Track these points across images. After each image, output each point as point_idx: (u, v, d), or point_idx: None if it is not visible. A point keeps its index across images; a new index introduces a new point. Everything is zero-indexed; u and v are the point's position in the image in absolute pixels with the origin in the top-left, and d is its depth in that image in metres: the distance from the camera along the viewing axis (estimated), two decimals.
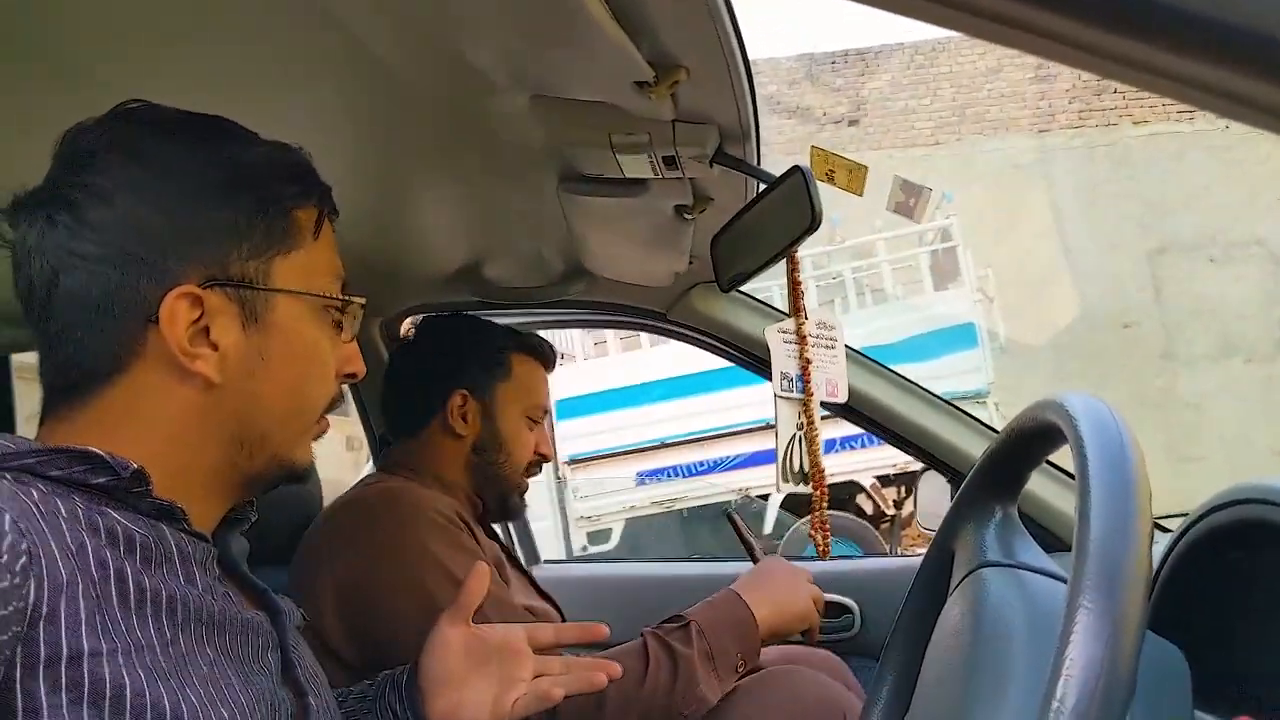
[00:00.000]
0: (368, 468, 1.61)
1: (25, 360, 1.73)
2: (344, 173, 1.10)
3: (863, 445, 5.92)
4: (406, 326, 1.49)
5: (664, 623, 1.16)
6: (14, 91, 0.80)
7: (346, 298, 0.74)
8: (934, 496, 1.58)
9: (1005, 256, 8.13)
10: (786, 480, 1.09)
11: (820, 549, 1.09)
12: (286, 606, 0.76)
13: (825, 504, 1.10)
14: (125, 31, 0.75)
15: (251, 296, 0.66)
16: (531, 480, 1.44)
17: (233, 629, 0.65)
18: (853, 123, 9.78)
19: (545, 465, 1.48)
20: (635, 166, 1.03)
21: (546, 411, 1.43)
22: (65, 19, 0.72)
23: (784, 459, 1.10)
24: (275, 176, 0.69)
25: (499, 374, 1.37)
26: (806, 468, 1.09)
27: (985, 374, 6.28)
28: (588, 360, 6.80)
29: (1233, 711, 0.48)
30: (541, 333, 1.51)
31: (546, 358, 1.44)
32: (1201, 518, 0.57)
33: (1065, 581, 0.44)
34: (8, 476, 0.57)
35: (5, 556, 0.51)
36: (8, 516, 0.53)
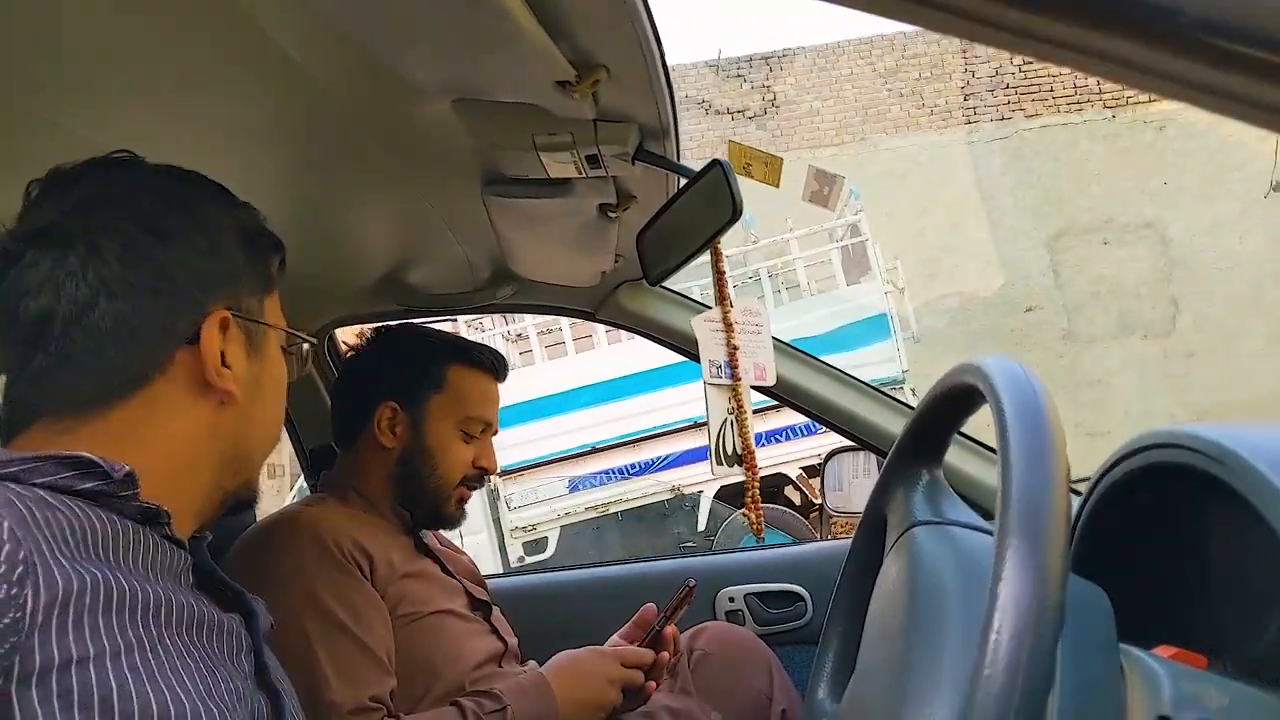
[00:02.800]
0: (290, 495, 1.60)
1: None
2: (263, 183, 1.09)
3: (788, 438, 6.04)
4: (354, 338, 1.48)
5: (480, 696, 1.17)
6: None
7: (303, 336, 0.85)
8: (840, 480, 1.64)
9: (912, 249, 8.40)
10: (721, 463, 1.12)
11: (754, 527, 1.13)
12: (259, 609, 0.77)
13: (758, 485, 1.13)
14: (46, 43, 0.72)
15: (254, 329, 0.77)
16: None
17: (211, 629, 0.68)
18: (761, 126, 9.99)
19: None
20: (559, 167, 1.05)
21: (489, 425, 1.40)
22: None
23: (717, 444, 1.12)
24: (260, 228, 0.79)
25: (430, 385, 1.35)
26: (739, 450, 1.12)
27: (900, 362, 6.48)
28: (514, 370, 6.76)
29: (1153, 644, 0.51)
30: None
31: (490, 369, 1.40)
32: (1111, 467, 0.61)
33: (992, 534, 0.48)
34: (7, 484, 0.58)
35: (3, 566, 0.52)
36: (5, 524, 0.54)
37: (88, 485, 0.62)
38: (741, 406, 1.11)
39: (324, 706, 1.08)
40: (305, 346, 0.85)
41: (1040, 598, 0.41)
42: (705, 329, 1.14)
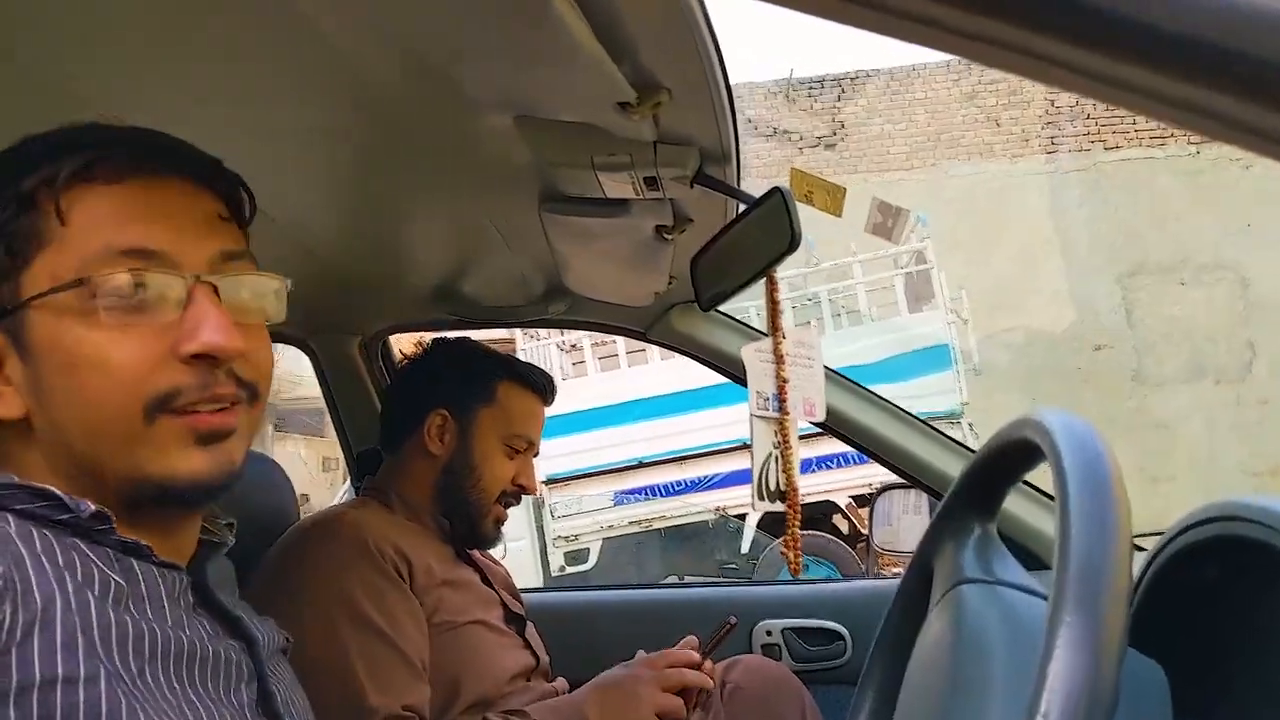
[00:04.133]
0: (344, 488, 1.62)
1: None
2: (326, 190, 1.11)
3: (839, 464, 5.96)
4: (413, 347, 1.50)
5: (509, 714, 1.17)
6: None
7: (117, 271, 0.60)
8: (889, 516, 1.59)
9: (979, 279, 8.23)
10: (762, 499, 1.10)
11: (792, 566, 1.10)
12: (265, 632, 0.74)
13: (798, 523, 1.10)
14: (108, 46, 0.74)
15: (15, 326, 0.61)
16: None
17: (203, 664, 0.63)
18: (829, 147, 9.89)
19: None
20: (617, 187, 1.04)
21: (532, 444, 1.40)
22: (47, 28, 0.71)
23: (759, 478, 1.10)
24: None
25: (482, 398, 1.37)
26: (782, 486, 1.09)
27: (959, 395, 6.34)
28: (566, 380, 6.80)
29: None
30: (521, 354, 1.51)
31: (540, 389, 1.42)
32: (1177, 535, 0.58)
33: (1045, 598, 0.45)
34: None
35: None
36: None
37: (63, 517, 0.59)
38: (787, 442, 1.09)
39: (358, 712, 1.08)
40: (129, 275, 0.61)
41: (1093, 680, 0.38)
42: (755, 359, 1.11)
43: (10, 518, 0.57)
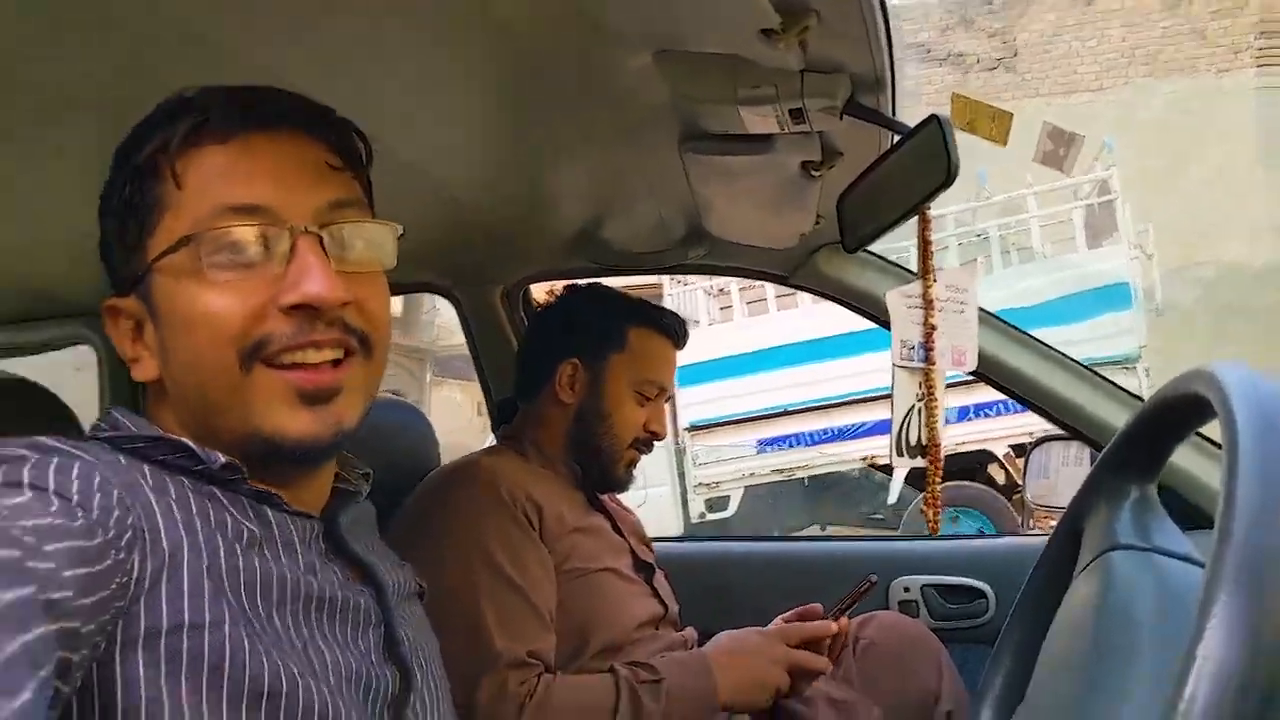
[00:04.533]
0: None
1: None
2: (468, 139, 1.12)
3: (997, 413, 5.68)
4: (546, 295, 1.52)
5: (636, 666, 1.17)
6: (141, 57, 0.82)
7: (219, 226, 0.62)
8: (1046, 469, 1.50)
9: (1167, 209, 7.50)
10: (901, 454, 1.05)
11: (930, 525, 1.05)
12: (394, 579, 0.76)
13: (939, 480, 1.05)
14: (259, 7, 0.75)
15: (143, 289, 0.65)
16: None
17: (331, 607, 0.66)
18: (1008, 69, 9.17)
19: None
20: (760, 121, 0.99)
21: (663, 390, 1.40)
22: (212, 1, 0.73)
23: (900, 432, 1.05)
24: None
25: (612, 345, 1.37)
26: (924, 441, 1.04)
27: (1137, 337, 5.89)
28: (712, 326, 6.76)
29: None
30: (668, 300, 1.50)
31: (672, 334, 1.41)
32: None
33: (1204, 567, 0.40)
34: (119, 455, 0.60)
35: (112, 531, 0.53)
36: (115, 492, 0.55)
37: (199, 468, 0.63)
38: (932, 393, 1.03)
39: (484, 656, 1.11)
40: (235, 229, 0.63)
41: (1246, 669, 0.34)
42: (901, 304, 1.06)
43: (147, 468, 0.61)
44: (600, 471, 1.37)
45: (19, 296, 1.46)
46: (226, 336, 0.62)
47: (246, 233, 0.62)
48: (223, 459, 0.63)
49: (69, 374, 1.48)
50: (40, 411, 0.95)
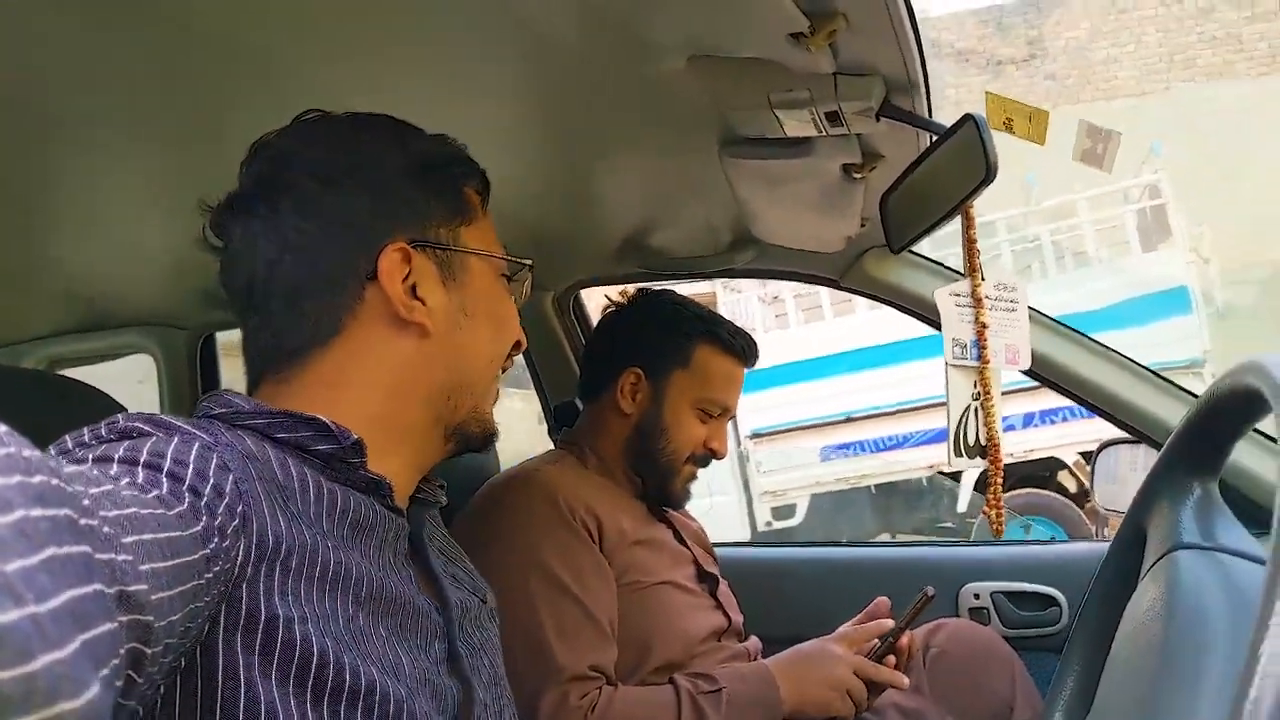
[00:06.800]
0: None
1: (226, 338, 1.87)
2: (514, 148, 1.13)
3: (1064, 419, 5.53)
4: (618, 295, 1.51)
5: (696, 678, 1.14)
6: (214, 88, 0.86)
7: (519, 260, 0.81)
8: (1113, 474, 1.45)
9: (1219, 212, 7.29)
10: (959, 455, 1.01)
11: (994, 527, 1.02)
12: (458, 597, 0.76)
13: (1001, 480, 1.02)
14: (323, 34, 0.79)
15: (447, 257, 0.75)
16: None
17: (405, 612, 0.67)
18: (1048, 76, 9.07)
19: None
20: (797, 125, 0.99)
21: (727, 410, 1.36)
22: (269, 23, 0.77)
23: (957, 432, 1.02)
24: (447, 160, 0.77)
25: (676, 360, 1.34)
26: (983, 440, 1.01)
27: (1200, 341, 5.70)
28: (768, 333, 6.71)
29: None
30: (720, 308, 1.48)
31: (739, 353, 1.36)
32: None
33: None
34: (239, 433, 0.61)
35: (220, 517, 0.53)
36: (231, 477, 0.55)
37: (322, 447, 0.64)
38: (988, 392, 1.00)
39: (545, 670, 1.10)
40: (524, 267, 0.83)
41: None
42: (950, 303, 1.03)
43: (269, 447, 0.62)
44: (657, 485, 1.34)
45: (86, 306, 1.50)
46: (505, 342, 0.81)
47: (526, 274, 0.84)
48: (354, 436, 0.66)
49: (134, 388, 1.52)
50: (97, 416, 0.97)
